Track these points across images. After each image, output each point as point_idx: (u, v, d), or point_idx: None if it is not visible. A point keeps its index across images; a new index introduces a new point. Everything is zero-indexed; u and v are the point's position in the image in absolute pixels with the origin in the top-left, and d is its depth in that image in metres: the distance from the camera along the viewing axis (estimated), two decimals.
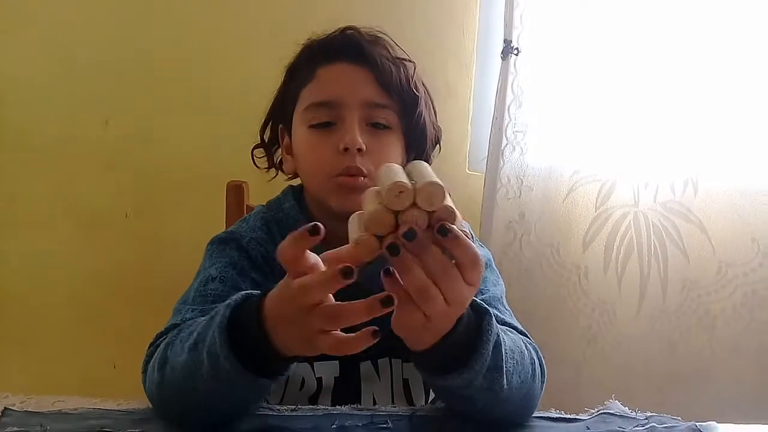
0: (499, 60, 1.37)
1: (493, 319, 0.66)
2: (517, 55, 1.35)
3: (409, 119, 0.91)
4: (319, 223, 0.55)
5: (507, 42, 1.35)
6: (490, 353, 0.65)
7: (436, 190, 0.54)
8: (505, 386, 0.68)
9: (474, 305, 0.66)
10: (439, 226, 0.55)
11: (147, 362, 0.75)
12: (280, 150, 1.00)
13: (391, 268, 0.56)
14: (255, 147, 1.02)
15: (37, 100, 1.56)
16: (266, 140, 1.01)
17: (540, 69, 1.37)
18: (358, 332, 0.57)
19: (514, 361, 0.70)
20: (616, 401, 0.78)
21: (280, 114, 0.98)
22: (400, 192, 0.54)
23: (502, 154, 1.39)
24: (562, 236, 1.43)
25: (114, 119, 1.55)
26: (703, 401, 1.46)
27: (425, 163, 0.61)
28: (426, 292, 0.57)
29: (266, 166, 1.03)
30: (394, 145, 0.90)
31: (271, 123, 1.00)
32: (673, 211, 1.40)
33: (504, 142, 1.39)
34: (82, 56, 1.53)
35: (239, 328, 0.63)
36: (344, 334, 0.58)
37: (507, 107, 1.37)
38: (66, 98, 1.55)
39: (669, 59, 1.35)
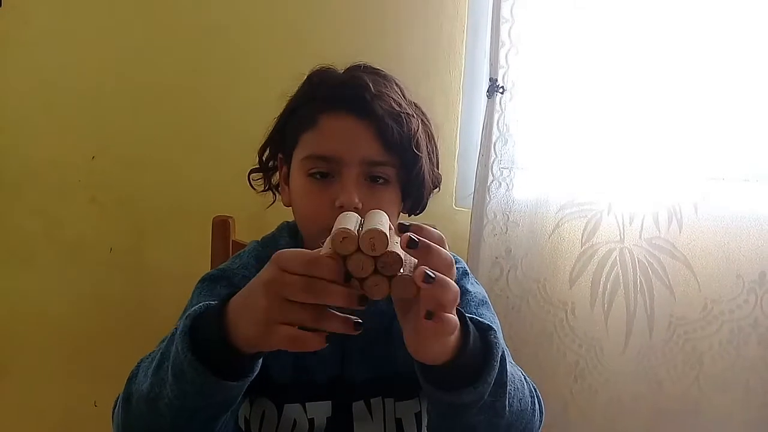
0: (485, 98, 1.39)
1: (498, 334, 0.68)
2: (502, 93, 1.37)
3: (407, 174, 0.90)
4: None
5: (492, 80, 1.37)
6: (498, 365, 0.66)
7: (376, 236, 0.57)
8: (507, 409, 0.68)
9: (476, 322, 0.68)
10: (408, 240, 0.57)
11: (115, 407, 0.75)
12: (277, 174, 1.00)
13: (430, 313, 0.57)
14: (252, 171, 1.02)
15: (22, 130, 1.56)
16: (264, 161, 1.01)
17: (525, 107, 1.39)
18: (314, 332, 0.58)
19: (515, 386, 0.71)
20: None
21: (279, 143, 0.97)
22: (344, 238, 0.57)
23: (489, 190, 1.40)
24: (548, 272, 1.44)
25: (100, 153, 1.55)
26: None
27: (381, 212, 0.64)
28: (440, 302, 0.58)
29: (262, 189, 1.02)
30: (391, 199, 0.90)
31: (270, 148, 1.00)
32: (658, 247, 1.41)
33: (490, 178, 1.40)
34: (70, 88, 1.53)
35: (200, 332, 0.64)
36: (300, 330, 0.58)
37: (493, 144, 1.39)
38: (52, 129, 1.55)
39: (651, 97, 1.37)
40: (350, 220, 0.62)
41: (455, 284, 0.58)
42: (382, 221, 0.61)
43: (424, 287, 0.56)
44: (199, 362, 0.62)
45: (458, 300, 0.59)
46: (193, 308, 0.67)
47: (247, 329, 0.61)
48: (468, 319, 0.66)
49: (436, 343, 0.62)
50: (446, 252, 0.59)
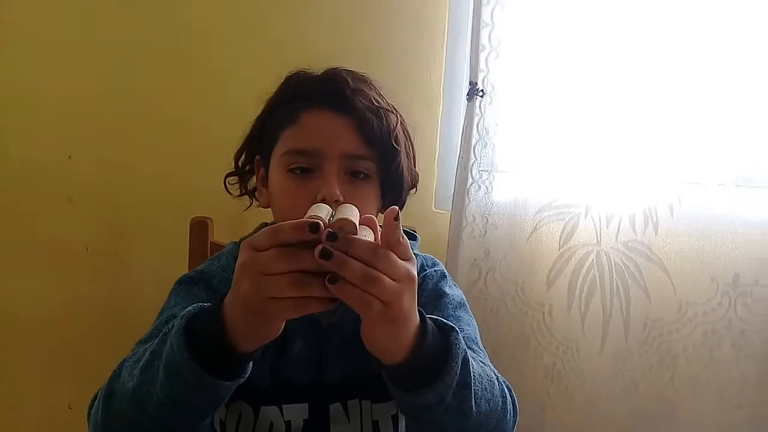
0: (465, 101, 1.40)
1: (460, 336, 0.68)
2: (482, 96, 1.38)
3: (387, 169, 0.91)
4: (320, 222, 0.58)
5: (472, 84, 1.38)
6: (459, 367, 0.66)
7: (345, 225, 0.60)
8: (474, 409, 0.68)
9: (439, 323, 0.68)
10: (329, 233, 0.58)
11: (92, 406, 0.74)
12: (254, 178, 1.00)
13: (334, 275, 0.58)
14: (228, 174, 1.02)
15: None
16: (240, 165, 1.01)
17: (504, 110, 1.40)
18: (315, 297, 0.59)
19: (482, 387, 0.71)
20: None
21: (257, 145, 0.97)
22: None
23: (468, 192, 1.41)
24: (526, 274, 1.45)
25: (77, 153, 1.53)
26: None
27: (353, 207, 0.65)
28: (369, 275, 0.59)
29: (238, 193, 1.02)
30: (370, 194, 0.90)
31: (246, 152, 1.00)
32: (634, 250, 1.43)
33: (470, 181, 1.41)
34: (47, 88, 1.52)
35: (196, 333, 0.64)
36: (297, 297, 0.59)
37: (473, 147, 1.40)
38: (28, 129, 1.53)
39: (628, 101, 1.38)
40: (322, 210, 0.63)
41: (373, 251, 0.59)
42: (353, 214, 0.62)
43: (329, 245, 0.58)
44: (195, 361, 0.63)
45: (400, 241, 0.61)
46: (187, 309, 0.67)
47: (245, 322, 0.62)
48: (428, 318, 0.67)
49: (383, 332, 0.62)
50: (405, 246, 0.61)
